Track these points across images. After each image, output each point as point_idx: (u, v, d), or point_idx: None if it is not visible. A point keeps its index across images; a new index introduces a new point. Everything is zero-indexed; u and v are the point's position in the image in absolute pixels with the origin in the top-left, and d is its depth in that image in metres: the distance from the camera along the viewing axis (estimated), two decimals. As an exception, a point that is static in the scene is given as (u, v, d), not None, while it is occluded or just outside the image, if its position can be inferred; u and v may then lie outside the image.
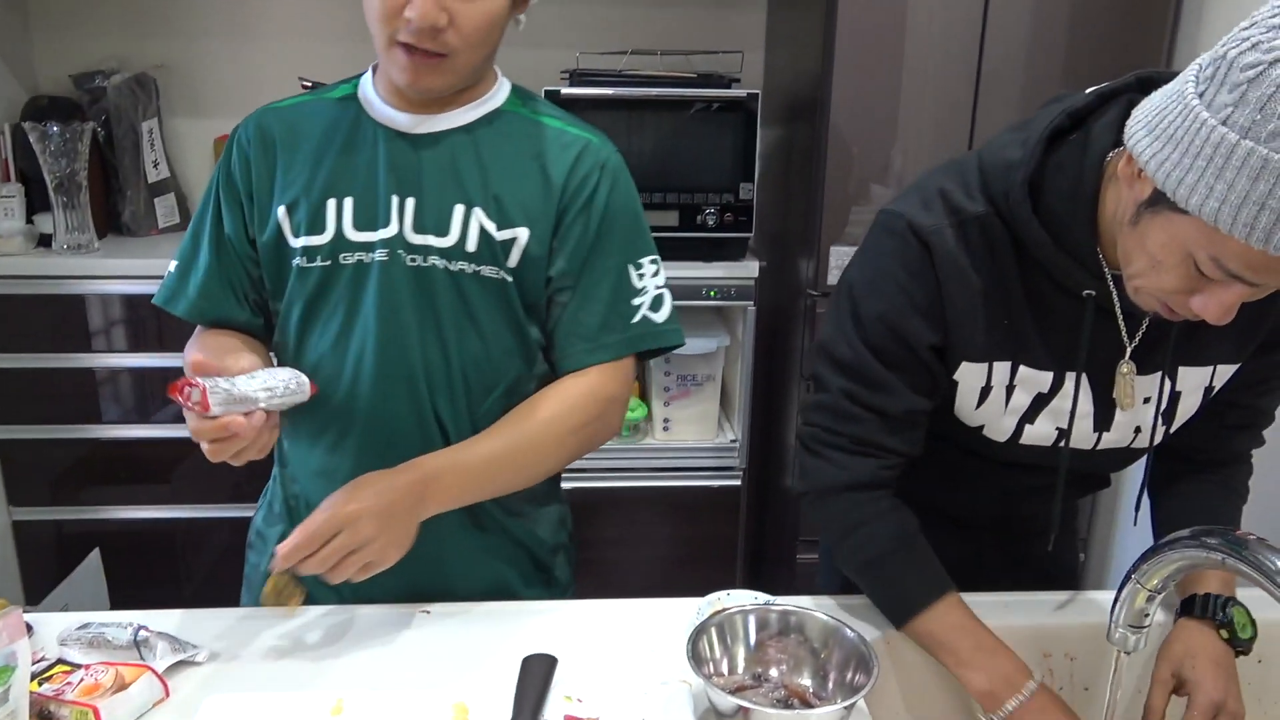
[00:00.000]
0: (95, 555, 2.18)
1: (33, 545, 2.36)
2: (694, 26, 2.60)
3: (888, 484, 1.03)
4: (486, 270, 1.07)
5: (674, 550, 2.49)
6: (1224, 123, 0.71)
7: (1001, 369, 0.99)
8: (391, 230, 1.05)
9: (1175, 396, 1.00)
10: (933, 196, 0.96)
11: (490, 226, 1.06)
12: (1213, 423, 1.06)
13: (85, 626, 0.98)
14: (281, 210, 1.07)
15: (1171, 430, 1.04)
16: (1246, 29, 0.72)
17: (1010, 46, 2.04)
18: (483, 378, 1.10)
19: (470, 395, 1.10)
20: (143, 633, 0.97)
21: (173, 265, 1.14)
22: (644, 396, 2.52)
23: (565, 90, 2.18)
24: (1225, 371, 1.00)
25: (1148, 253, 0.82)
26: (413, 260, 1.05)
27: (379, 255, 1.05)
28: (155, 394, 2.30)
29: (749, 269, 2.30)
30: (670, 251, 2.27)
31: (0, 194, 2.27)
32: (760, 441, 2.60)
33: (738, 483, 2.44)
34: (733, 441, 2.45)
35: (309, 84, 2.06)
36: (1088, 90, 0.90)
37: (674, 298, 2.36)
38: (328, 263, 1.06)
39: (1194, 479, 1.08)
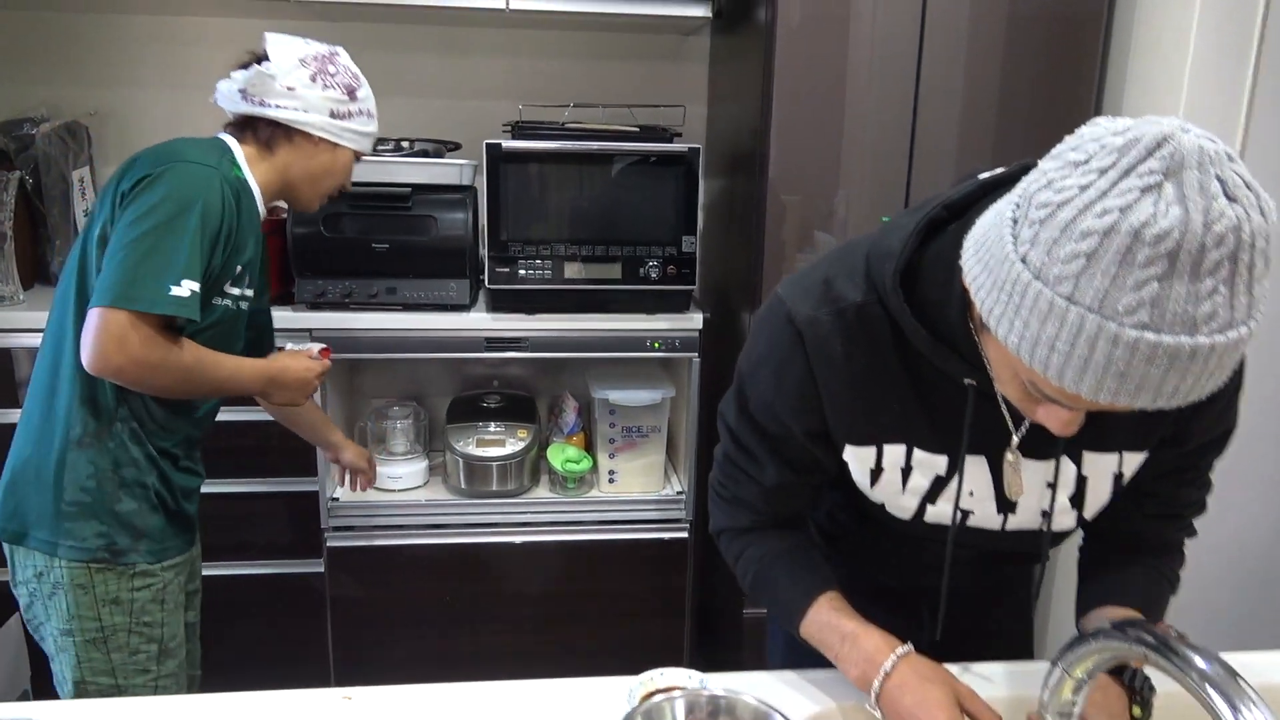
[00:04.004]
0: (15, 621, 2.09)
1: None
2: (637, 80, 2.62)
3: (767, 528, 1.11)
4: None
5: (622, 605, 2.46)
6: (1022, 260, 0.71)
7: (894, 451, 1.00)
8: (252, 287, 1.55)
9: (1082, 482, 1.00)
10: (816, 284, 0.97)
11: None
12: (1133, 511, 1.06)
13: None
14: (239, 269, 1.47)
15: (1086, 516, 1.03)
16: (1048, 161, 0.72)
17: (944, 95, 2.08)
18: None
19: None
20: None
21: (195, 286, 1.35)
22: (589, 448, 2.50)
23: (507, 144, 2.17)
24: (1133, 459, 1.00)
25: (991, 362, 0.83)
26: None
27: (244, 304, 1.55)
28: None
29: (693, 321, 2.30)
30: (614, 304, 2.29)
31: (-80, 245, 2.19)
32: (707, 493, 2.59)
33: (685, 535, 2.42)
34: (679, 493, 2.43)
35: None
36: (980, 175, 0.91)
37: (618, 349, 2.35)
38: (244, 305, 1.53)
39: (1120, 564, 1.08)
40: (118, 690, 1.48)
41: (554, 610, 2.44)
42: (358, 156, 1.63)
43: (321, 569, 2.33)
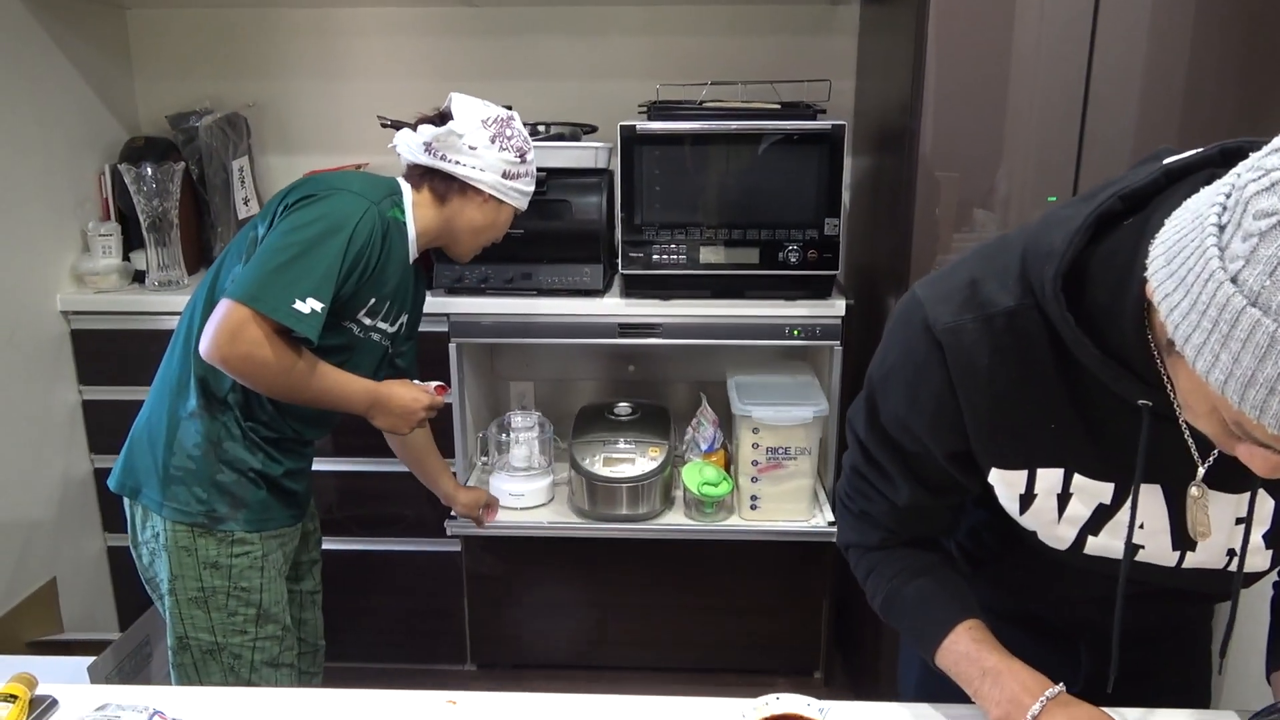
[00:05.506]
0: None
1: (128, 571, 2.43)
2: (779, 54, 2.51)
3: (898, 547, 1.03)
4: None
5: (757, 600, 2.40)
6: (1233, 279, 0.58)
7: (1049, 476, 0.87)
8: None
9: None
10: (960, 286, 0.85)
11: None
12: None
13: (103, 708, 0.96)
14: (372, 301, 1.53)
15: None
16: (1271, 156, 0.58)
17: (1122, 62, 1.87)
18: None
19: None
20: (156, 718, 0.93)
21: (319, 306, 1.41)
22: (728, 467, 2.31)
23: (641, 125, 2.11)
24: None
25: (1180, 390, 0.69)
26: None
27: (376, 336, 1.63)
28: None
29: (835, 308, 2.18)
30: (752, 290, 2.20)
31: (99, 233, 2.35)
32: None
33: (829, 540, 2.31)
34: (831, 524, 2.18)
35: (388, 121, 2.06)
36: (1165, 160, 0.77)
37: (756, 336, 2.21)
38: (377, 338, 1.61)
39: None
40: (217, 647, 1.56)
41: (685, 601, 2.40)
42: (516, 213, 1.72)
43: (458, 548, 2.37)
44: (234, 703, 1.03)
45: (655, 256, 2.18)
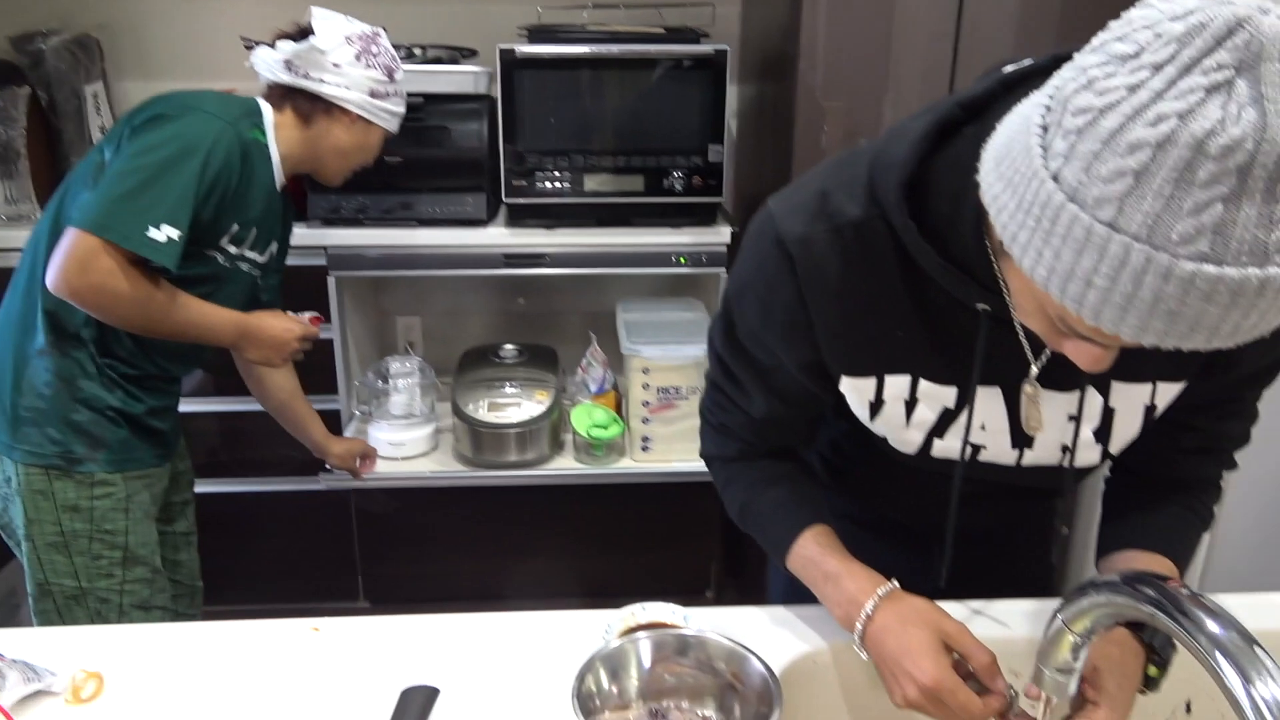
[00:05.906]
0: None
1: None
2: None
3: (756, 458, 1.05)
4: None
5: (649, 533, 2.41)
6: (1054, 177, 0.59)
7: (897, 383, 0.90)
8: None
9: (1109, 414, 0.89)
10: (810, 198, 0.85)
11: None
12: (1166, 445, 0.95)
13: (-68, 652, 0.91)
14: (236, 227, 1.46)
15: (1112, 450, 0.93)
16: (1088, 55, 0.59)
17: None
18: None
19: None
20: (-9, 660, 0.89)
21: (176, 233, 1.33)
22: (619, 409, 2.29)
23: (521, 48, 2.05)
24: (1168, 390, 0.89)
25: (1012, 291, 0.71)
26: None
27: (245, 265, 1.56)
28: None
29: (720, 234, 2.18)
30: (637, 217, 2.18)
31: (-63, 163, 2.18)
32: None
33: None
34: None
35: (250, 44, 1.94)
36: (1005, 68, 0.78)
37: (642, 264, 2.17)
38: (245, 267, 1.54)
39: (1147, 502, 0.97)
40: (81, 592, 1.50)
41: (578, 540, 2.40)
42: (386, 136, 1.66)
43: (348, 487, 2.32)
44: (84, 641, 0.99)
45: (540, 184, 2.13)
